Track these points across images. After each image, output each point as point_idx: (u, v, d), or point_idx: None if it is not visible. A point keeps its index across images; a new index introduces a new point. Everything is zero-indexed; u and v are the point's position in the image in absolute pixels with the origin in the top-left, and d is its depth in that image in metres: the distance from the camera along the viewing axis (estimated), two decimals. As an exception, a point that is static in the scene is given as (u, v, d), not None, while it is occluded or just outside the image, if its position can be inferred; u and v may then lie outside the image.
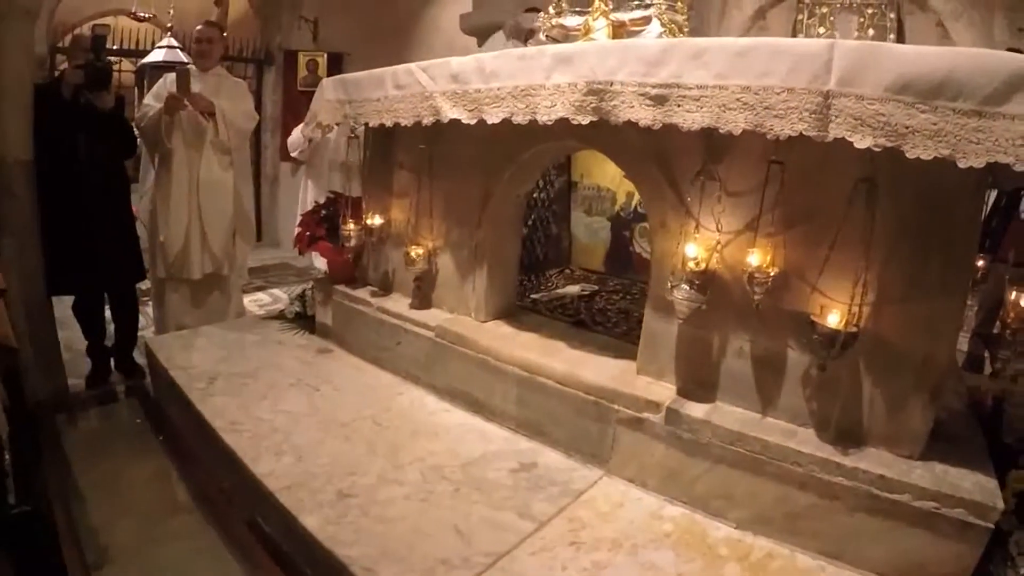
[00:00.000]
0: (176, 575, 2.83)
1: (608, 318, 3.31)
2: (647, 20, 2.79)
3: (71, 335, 5.06)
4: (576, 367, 2.69)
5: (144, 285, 5.21)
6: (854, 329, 2.02)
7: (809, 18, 3.46)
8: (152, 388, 4.43)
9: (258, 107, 9.92)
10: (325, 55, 9.78)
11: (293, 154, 5.71)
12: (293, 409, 3.24)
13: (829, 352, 2.04)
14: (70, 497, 3.39)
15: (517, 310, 3.43)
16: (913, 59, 1.72)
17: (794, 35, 3.39)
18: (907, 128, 1.73)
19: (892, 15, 3.47)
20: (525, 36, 4.60)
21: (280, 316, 4.55)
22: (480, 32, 5.34)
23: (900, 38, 3.44)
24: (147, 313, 5.54)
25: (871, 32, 3.34)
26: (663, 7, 2.76)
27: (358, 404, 3.24)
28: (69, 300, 4.89)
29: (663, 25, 2.73)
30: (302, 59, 9.76)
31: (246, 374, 3.71)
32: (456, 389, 3.16)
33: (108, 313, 5.02)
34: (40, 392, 4.31)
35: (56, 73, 8.17)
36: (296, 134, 5.61)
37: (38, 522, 3.01)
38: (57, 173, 4.31)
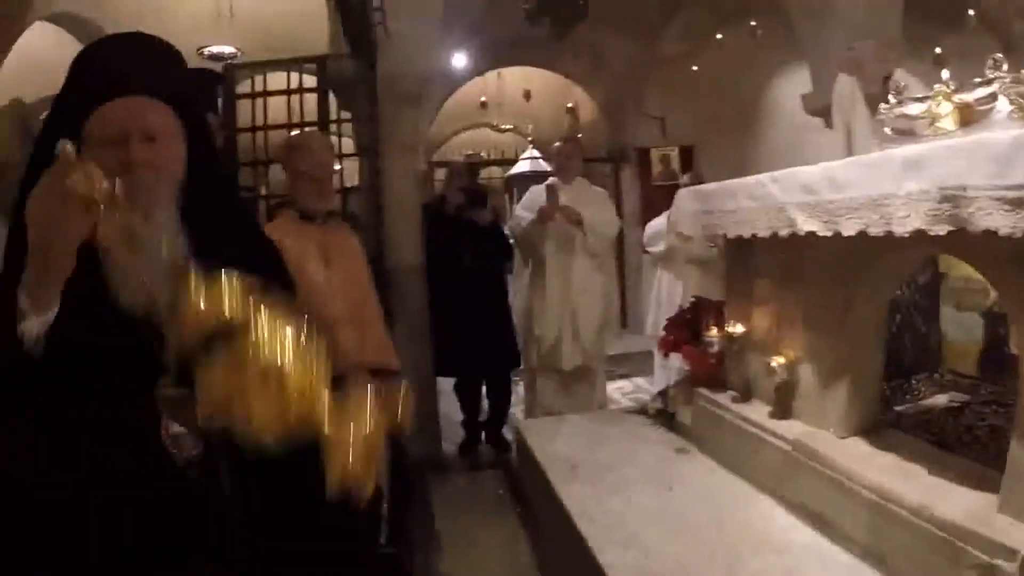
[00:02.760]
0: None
1: (975, 438, 3.17)
2: (993, 97, 2.71)
3: (449, 407, 6.06)
4: (931, 497, 2.67)
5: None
6: None
7: None
8: (517, 464, 5.12)
9: (617, 203, 10.96)
10: (676, 149, 10.51)
11: (648, 249, 6.34)
12: (645, 505, 3.57)
13: None
14: (430, 546, 4.08)
15: (879, 424, 3.44)
16: None
17: None
18: None
19: None
20: None
21: (642, 411, 4.99)
22: (823, 112, 5.50)
23: None
24: (517, 393, 6.40)
25: None
26: (1007, 81, 2.65)
27: (708, 508, 3.49)
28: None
29: (1011, 102, 2.64)
30: (654, 155, 10.61)
31: (605, 466, 4.14)
32: (806, 506, 3.26)
33: (484, 391, 6.01)
34: (417, 453, 5.22)
35: (433, 186, 10.04)
36: (649, 229, 6.24)
37: (400, 563, 3.69)
38: (445, 275, 5.45)
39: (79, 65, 1.77)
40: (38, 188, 1.39)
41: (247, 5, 8.90)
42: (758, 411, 3.84)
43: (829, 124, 5.56)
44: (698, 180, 6.14)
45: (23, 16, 7.81)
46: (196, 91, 1.76)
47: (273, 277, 1.74)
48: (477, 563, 4.04)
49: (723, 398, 4.14)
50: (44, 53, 9.76)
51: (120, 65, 1.73)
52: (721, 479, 3.85)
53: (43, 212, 1.37)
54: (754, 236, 3.49)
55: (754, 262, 4.01)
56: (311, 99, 5.62)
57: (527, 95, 12.13)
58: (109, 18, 10.12)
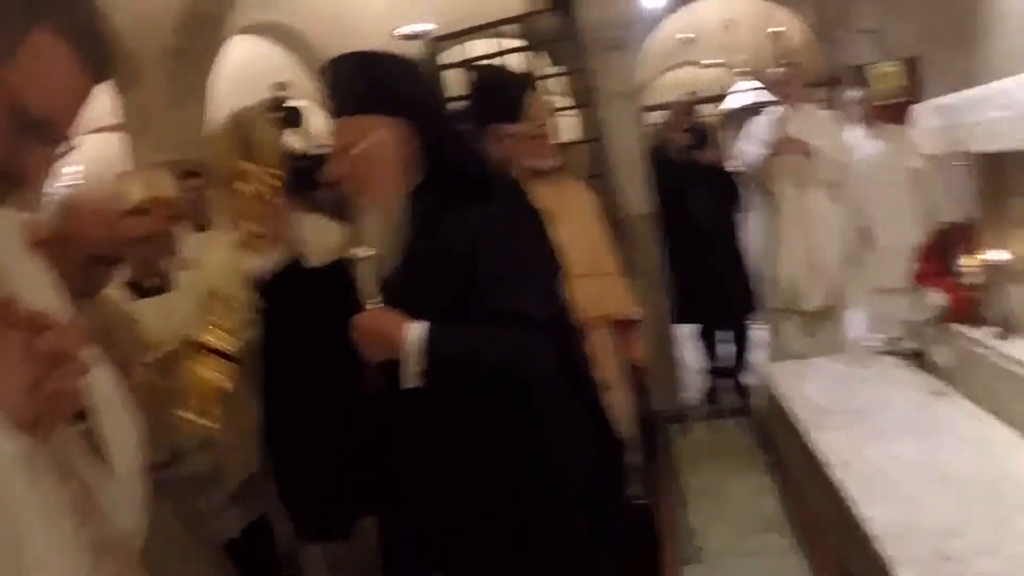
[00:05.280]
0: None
1: None
2: None
3: (689, 355, 6.20)
4: None
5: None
6: None
7: None
8: (764, 410, 5.19)
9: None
10: (898, 64, 9.77)
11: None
12: (903, 454, 3.53)
13: None
14: (675, 498, 4.26)
15: None
16: None
17: None
18: None
19: None
20: None
21: (892, 351, 4.91)
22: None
23: None
24: (760, 339, 6.41)
25: None
26: None
27: (971, 459, 3.41)
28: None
29: None
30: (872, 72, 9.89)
31: (857, 411, 4.12)
32: (1078, 455, 3.17)
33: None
34: (659, 404, 5.42)
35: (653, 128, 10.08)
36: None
37: (647, 514, 3.89)
38: (675, 221, 5.48)
39: None
40: None
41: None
42: (1022, 349, 3.67)
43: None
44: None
45: (220, 34, 8.41)
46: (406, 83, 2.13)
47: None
48: (725, 515, 4.19)
49: (981, 335, 3.96)
50: (253, 63, 10.48)
51: (328, 93, 2.13)
52: (984, 425, 3.74)
53: None
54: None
55: (1009, 180, 3.81)
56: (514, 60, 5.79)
57: (726, 25, 11.79)
58: (304, 21, 10.69)
